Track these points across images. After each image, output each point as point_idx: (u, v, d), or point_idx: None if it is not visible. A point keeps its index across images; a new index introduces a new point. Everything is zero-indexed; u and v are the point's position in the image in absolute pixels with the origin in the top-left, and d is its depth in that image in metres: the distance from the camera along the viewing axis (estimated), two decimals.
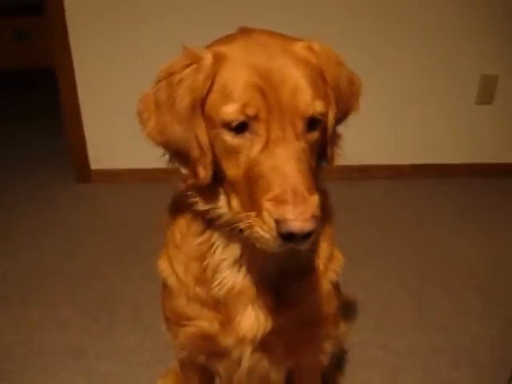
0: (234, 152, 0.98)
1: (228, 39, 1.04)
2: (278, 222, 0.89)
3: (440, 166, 3.58)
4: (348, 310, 2.12)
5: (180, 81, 0.99)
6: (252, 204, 0.95)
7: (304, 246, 0.93)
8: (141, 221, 2.98)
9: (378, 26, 3.22)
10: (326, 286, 1.25)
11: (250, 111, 0.93)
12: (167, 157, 1.11)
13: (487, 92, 3.41)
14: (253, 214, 0.94)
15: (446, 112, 3.47)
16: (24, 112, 4.90)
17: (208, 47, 1.04)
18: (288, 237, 0.89)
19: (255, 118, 0.94)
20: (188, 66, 0.99)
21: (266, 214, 0.91)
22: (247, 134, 0.96)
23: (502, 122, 3.52)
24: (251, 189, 0.95)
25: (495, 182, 3.50)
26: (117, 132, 3.28)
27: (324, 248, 1.24)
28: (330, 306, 1.29)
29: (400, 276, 2.53)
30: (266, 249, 0.95)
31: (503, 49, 3.33)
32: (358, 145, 3.13)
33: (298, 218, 0.88)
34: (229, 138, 0.97)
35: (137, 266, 2.57)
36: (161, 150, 1.10)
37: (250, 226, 0.95)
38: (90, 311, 2.28)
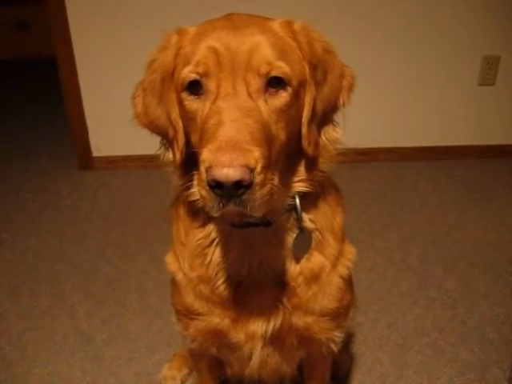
0: (193, 118, 0.98)
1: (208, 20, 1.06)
2: (207, 171, 0.85)
3: (444, 148, 3.57)
4: None
5: (155, 63, 1.05)
6: None
7: (244, 205, 0.87)
8: (145, 206, 3.00)
9: (385, 8, 3.19)
10: (336, 281, 1.21)
11: (200, 68, 0.94)
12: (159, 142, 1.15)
13: (489, 73, 3.39)
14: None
15: (448, 94, 3.45)
16: (26, 102, 4.89)
17: None
18: (217, 187, 0.84)
19: (206, 74, 0.94)
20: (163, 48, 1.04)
21: (201, 167, 0.88)
22: (202, 97, 0.96)
23: (506, 103, 3.50)
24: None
25: (502, 162, 3.50)
26: (118, 119, 3.24)
27: (330, 244, 1.19)
28: (342, 300, 1.24)
29: (405, 257, 2.53)
30: (209, 212, 0.91)
31: (505, 29, 3.31)
32: (362, 128, 3.15)
33: (224, 164, 0.82)
34: (187, 101, 0.98)
35: (142, 251, 2.58)
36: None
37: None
38: (96, 297, 2.29)
